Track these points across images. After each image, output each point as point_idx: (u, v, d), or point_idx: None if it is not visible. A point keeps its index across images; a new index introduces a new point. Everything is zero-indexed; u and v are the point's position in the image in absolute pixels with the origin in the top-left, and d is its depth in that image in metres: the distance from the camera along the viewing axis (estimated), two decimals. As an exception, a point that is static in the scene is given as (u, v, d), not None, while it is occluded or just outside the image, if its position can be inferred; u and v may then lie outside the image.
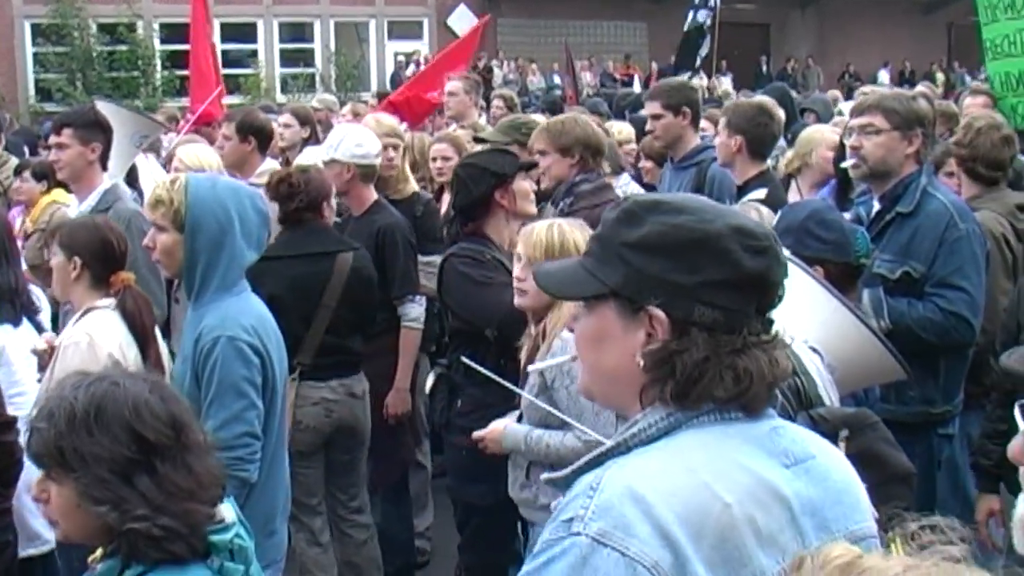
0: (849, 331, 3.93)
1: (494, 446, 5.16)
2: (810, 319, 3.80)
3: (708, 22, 19.93)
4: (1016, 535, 1.73)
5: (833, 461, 2.45)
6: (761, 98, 9.31)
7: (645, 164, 9.68)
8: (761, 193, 6.69)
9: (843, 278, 4.44)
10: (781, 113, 9.31)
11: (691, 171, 7.57)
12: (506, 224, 5.86)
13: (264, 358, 4.64)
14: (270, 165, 8.52)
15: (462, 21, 38.83)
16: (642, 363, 2.28)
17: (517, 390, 4.84)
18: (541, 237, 4.95)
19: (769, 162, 7.78)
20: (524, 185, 5.93)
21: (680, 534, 2.11)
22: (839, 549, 1.26)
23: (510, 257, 5.52)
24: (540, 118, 10.28)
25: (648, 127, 8.00)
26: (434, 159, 8.47)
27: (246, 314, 4.69)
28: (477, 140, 7.94)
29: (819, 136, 8.08)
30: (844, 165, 5.59)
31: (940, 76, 41.23)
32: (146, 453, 2.81)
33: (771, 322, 2.34)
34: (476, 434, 5.23)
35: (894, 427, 4.97)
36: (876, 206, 5.60)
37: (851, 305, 4.06)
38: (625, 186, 8.56)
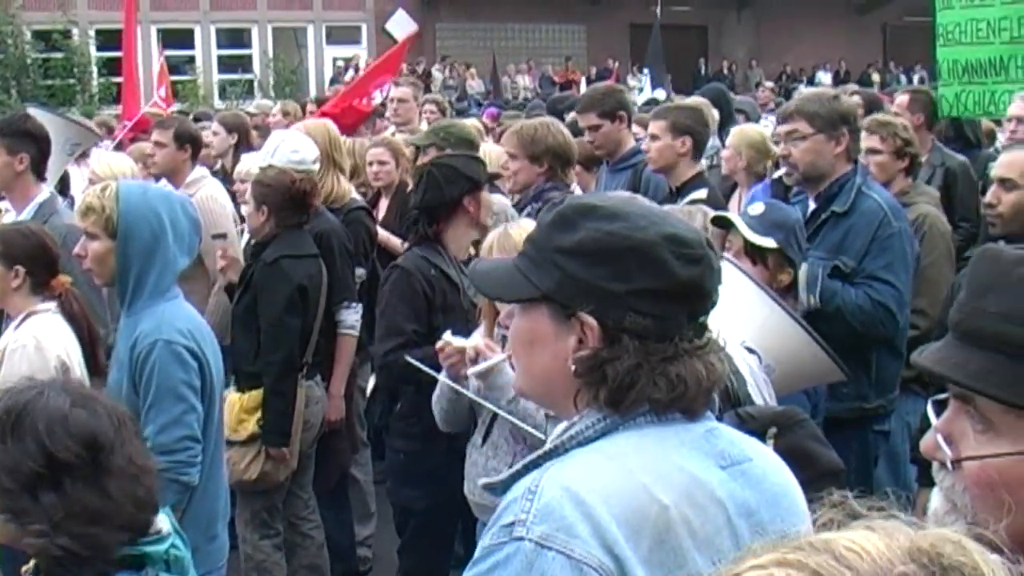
0: (787, 333, 3.96)
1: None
2: (748, 320, 3.83)
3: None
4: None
5: (770, 464, 2.45)
6: (695, 99, 9.39)
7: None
8: (702, 193, 6.70)
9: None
10: (715, 113, 9.41)
11: (627, 173, 7.57)
12: (465, 232, 5.82)
13: (202, 362, 4.62)
14: (200, 173, 8.47)
15: (400, 26, 38.79)
16: (574, 368, 2.27)
17: (463, 391, 4.82)
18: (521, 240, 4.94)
19: (704, 162, 7.82)
20: (489, 197, 5.90)
21: (619, 535, 2.10)
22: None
23: (465, 264, 5.58)
24: (474, 122, 10.33)
25: (587, 138, 7.98)
26: (371, 163, 8.45)
27: (181, 319, 4.67)
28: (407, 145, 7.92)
29: (744, 135, 8.13)
30: (777, 175, 5.61)
31: (876, 76, 41.61)
32: (54, 470, 2.75)
33: (705, 327, 2.33)
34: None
35: (829, 424, 5.04)
36: (812, 206, 5.64)
37: (789, 308, 4.10)
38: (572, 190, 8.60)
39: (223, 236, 8.02)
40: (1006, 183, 5.22)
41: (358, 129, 12.16)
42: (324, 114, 12.04)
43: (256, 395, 6.24)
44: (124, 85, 14.70)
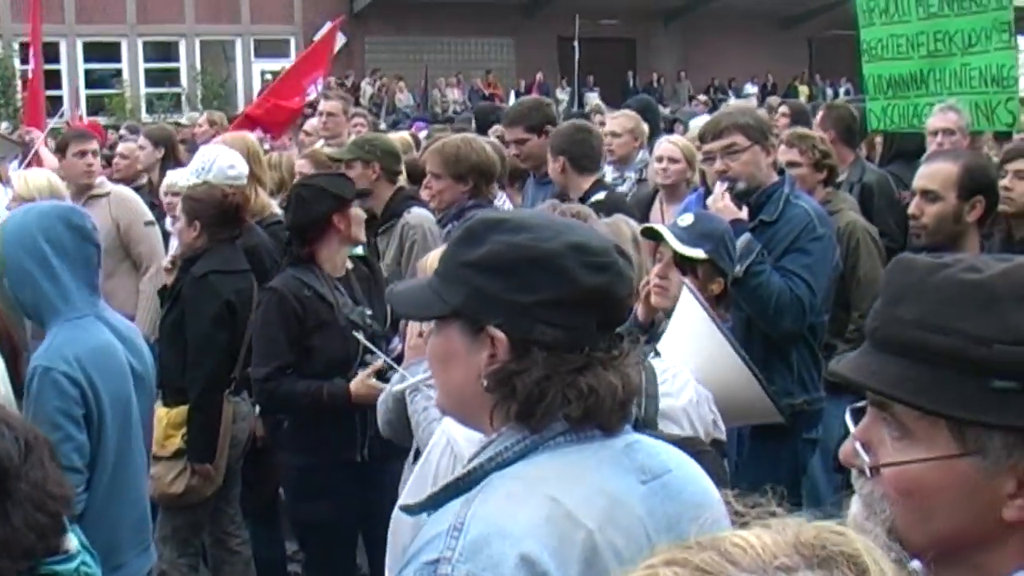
0: (730, 369, 3.96)
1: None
2: (696, 351, 3.84)
3: None
4: None
5: (690, 474, 2.45)
6: (621, 113, 9.47)
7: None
8: (601, 195, 6.87)
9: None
10: (645, 126, 9.43)
11: (553, 186, 7.61)
12: (338, 250, 5.80)
13: (85, 390, 4.37)
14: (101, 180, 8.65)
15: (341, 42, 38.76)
16: (485, 383, 2.26)
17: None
18: None
19: (632, 175, 7.86)
20: (359, 212, 5.88)
21: (549, 566, 2.09)
22: None
23: (342, 283, 5.71)
24: (403, 135, 10.32)
25: (513, 152, 8.01)
26: (294, 176, 8.41)
27: (74, 344, 4.41)
28: (329, 159, 7.88)
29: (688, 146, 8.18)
30: (719, 185, 5.63)
31: (803, 89, 42.07)
32: None
33: (621, 338, 2.32)
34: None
35: (761, 435, 5.07)
36: (741, 215, 5.67)
37: (739, 347, 4.10)
38: (502, 204, 8.61)
39: (152, 224, 8.05)
40: (928, 195, 5.29)
41: (286, 132, 12.11)
42: (249, 116, 11.99)
43: (183, 410, 6.19)
44: (27, 97, 14.59)
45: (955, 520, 1.67)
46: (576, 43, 21.89)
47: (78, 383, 4.36)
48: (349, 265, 5.93)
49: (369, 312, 5.71)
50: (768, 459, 5.17)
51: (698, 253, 4.57)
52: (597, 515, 2.19)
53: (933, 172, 5.36)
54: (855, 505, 1.76)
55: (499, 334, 2.24)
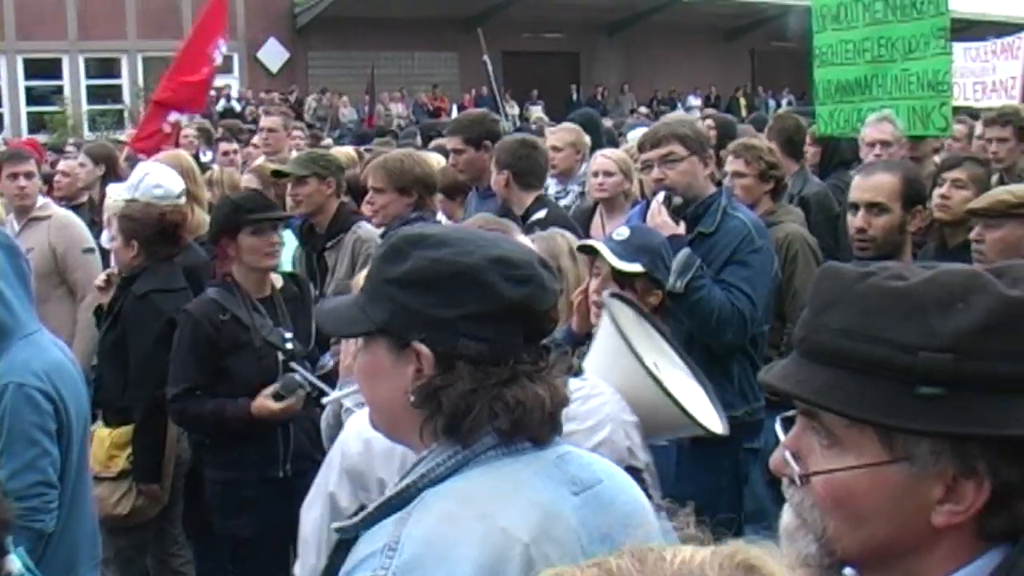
0: (647, 391, 3.95)
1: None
2: (612, 372, 3.84)
3: None
4: (783, 545, 1.77)
5: (621, 484, 2.48)
6: (563, 126, 9.50)
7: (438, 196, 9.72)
8: (542, 213, 6.86)
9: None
10: (587, 139, 9.46)
11: (496, 199, 7.62)
12: (249, 272, 5.80)
13: (57, 404, 4.41)
14: (43, 202, 8.61)
15: (272, 55, 38.62)
16: (412, 399, 2.27)
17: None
18: None
19: (575, 188, 7.88)
20: (267, 238, 5.83)
21: None
22: None
23: (265, 302, 5.75)
24: (348, 150, 10.30)
25: (451, 161, 8.04)
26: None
27: (37, 359, 4.43)
28: (275, 174, 7.85)
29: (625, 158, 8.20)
30: (656, 200, 5.64)
31: (744, 101, 42.34)
32: None
33: (547, 350, 2.34)
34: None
35: (702, 445, 5.09)
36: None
37: (655, 374, 4.10)
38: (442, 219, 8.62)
39: (92, 251, 7.98)
40: (874, 208, 5.30)
41: (202, 106, 11.96)
42: (158, 101, 11.84)
43: (126, 430, 6.15)
44: None
45: (886, 527, 1.69)
46: (486, 58, 21.72)
47: (51, 398, 4.39)
48: (280, 283, 5.94)
49: (288, 334, 5.71)
50: (709, 469, 5.19)
51: (635, 267, 4.57)
52: (531, 529, 2.20)
53: (877, 185, 5.36)
54: (786, 515, 1.78)
55: (424, 349, 2.25)
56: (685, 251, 5.27)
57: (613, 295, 4.32)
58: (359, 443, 2.88)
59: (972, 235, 5.35)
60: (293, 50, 39.13)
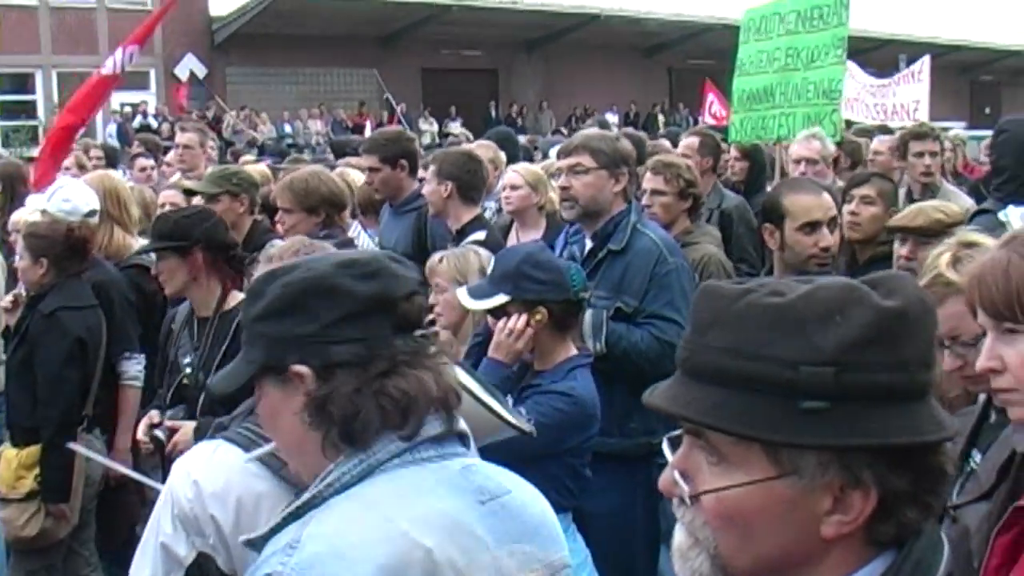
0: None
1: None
2: None
3: None
4: (676, 564, 1.78)
5: (528, 494, 2.50)
6: (479, 143, 9.51)
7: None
8: (481, 235, 6.76)
9: (565, 315, 4.55)
10: (503, 155, 9.49)
11: (411, 216, 7.61)
12: (196, 293, 5.62)
13: None
14: None
15: (189, 71, 38.36)
16: (307, 420, 2.29)
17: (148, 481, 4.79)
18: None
19: (492, 204, 7.87)
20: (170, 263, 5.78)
21: None
22: None
23: (201, 323, 5.54)
24: (262, 167, 10.24)
25: (366, 179, 8.02)
26: (163, 205, 8.29)
27: None
28: (188, 192, 7.77)
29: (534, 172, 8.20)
30: (563, 210, 5.67)
31: (662, 117, 42.69)
32: None
33: (426, 339, 2.38)
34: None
35: (616, 461, 5.11)
36: (588, 244, 5.71)
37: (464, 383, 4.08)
38: (357, 235, 8.58)
39: None
40: (831, 224, 5.35)
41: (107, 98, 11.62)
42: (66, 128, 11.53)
43: (34, 451, 6.07)
44: None
45: (776, 541, 1.70)
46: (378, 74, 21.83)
47: None
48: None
49: (187, 359, 5.55)
50: (623, 485, 5.22)
51: (499, 300, 4.51)
52: (436, 534, 2.21)
53: (828, 204, 5.41)
54: (679, 534, 1.79)
55: (302, 369, 2.28)
56: (589, 312, 5.28)
57: None
58: (188, 486, 2.85)
59: (903, 252, 5.36)
60: (210, 66, 38.88)
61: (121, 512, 6.76)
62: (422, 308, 2.40)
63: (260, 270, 3.57)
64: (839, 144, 8.99)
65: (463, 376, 3.76)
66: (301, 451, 2.37)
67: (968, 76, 53.74)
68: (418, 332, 2.37)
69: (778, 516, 1.69)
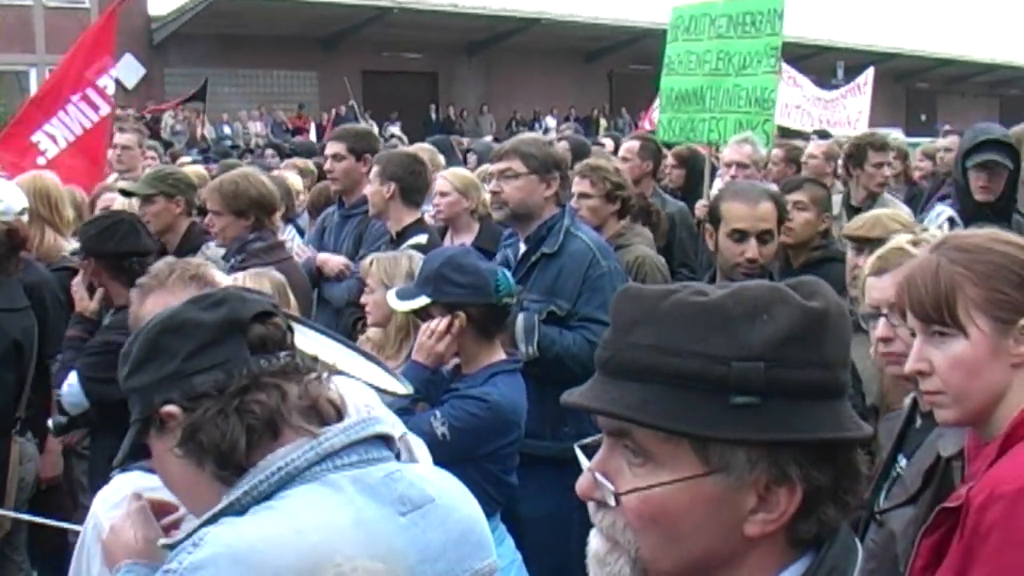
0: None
1: None
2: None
3: None
4: (593, 571, 1.78)
5: (455, 501, 2.49)
6: (417, 147, 9.50)
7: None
8: (422, 238, 6.76)
9: (488, 319, 4.56)
10: (441, 159, 9.49)
11: (357, 219, 7.59)
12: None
13: None
14: None
15: (128, 71, 37.93)
16: (183, 456, 2.32)
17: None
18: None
19: (429, 208, 7.86)
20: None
21: None
22: None
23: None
24: (199, 169, 10.18)
25: (327, 167, 7.98)
26: (105, 208, 8.21)
27: None
28: (124, 193, 7.71)
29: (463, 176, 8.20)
30: (494, 213, 5.71)
31: (603, 121, 42.78)
32: None
33: (289, 356, 2.40)
34: None
35: (549, 464, 5.13)
36: (522, 248, 5.75)
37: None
38: (291, 238, 8.55)
39: None
40: (765, 235, 5.34)
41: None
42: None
43: (-32, 454, 6.00)
44: None
45: (701, 541, 1.71)
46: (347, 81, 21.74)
47: None
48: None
49: None
50: (556, 490, 5.23)
51: (420, 301, 4.54)
52: (350, 548, 2.20)
53: (766, 214, 5.39)
54: (594, 540, 1.78)
55: (171, 408, 2.32)
56: (521, 316, 5.35)
57: None
58: (114, 515, 2.84)
59: (858, 261, 5.34)
60: (149, 66, 38.53)
61: (54, 517, 6.69)
62: (282, 329, 2.41)
63: (134, 300, 3.56)
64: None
65: (327, 344, 3.74)
66: (189, 492, 2.39)
67: (904, 83, 54.24)
68: (282, 352, 2.39)
69: (704, 515, 1.70)
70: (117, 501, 2.68)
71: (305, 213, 9.96)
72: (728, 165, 8.02)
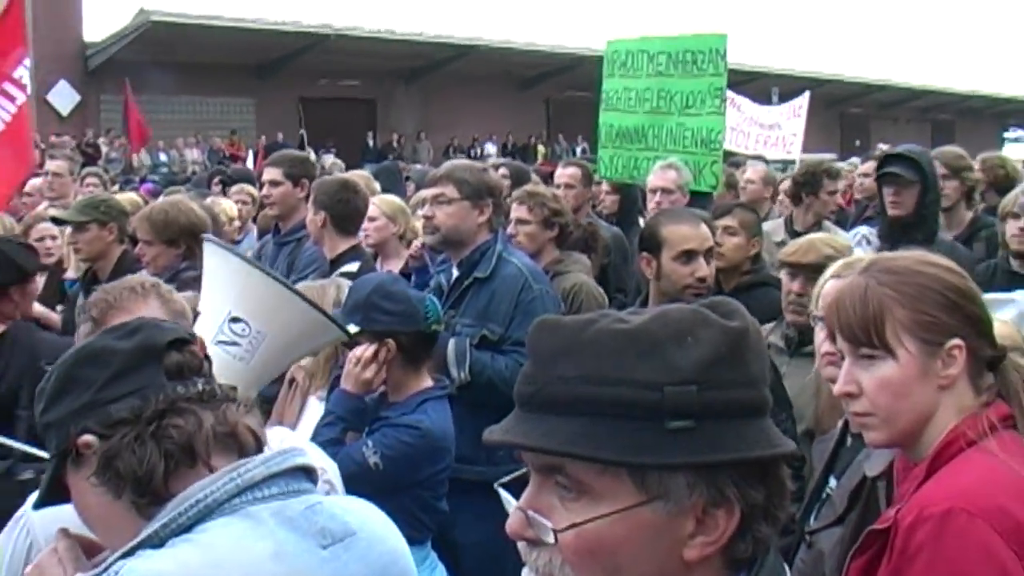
0: (275, 297, 3.84)
1: None
2: (231, 291, 3.75)
3: None
4: None
5: (377, 533, 2.47)
6: (353, 173, 9.49)
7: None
8: (353, 266, 6.76)
9: (417, 346, 4.53)
10: (376, 185, 9.47)
11: (291, 245, 7.57)
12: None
13: None
14: None
15: (63, 98, 37.66)
16: (99, 485, 2.28)
17: None
18: None
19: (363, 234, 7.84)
20: (36, 286, 5.75)
21: None
22: None
23: None
24: (133, 196, 10.11)
25: (264, 192, 7.97)
26: (41, 239, 8.15)
27: None
28: (55, 220, 7.65)
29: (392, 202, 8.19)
30: (426, 239, 5.71)
31: (541, 148, 42.92)
32: None
33: (207, 385, 2.37)
34: None
35: (484, 489, 5.10)
36: (455, 273, 5.76)
37: (276, 275, 4.01)
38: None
39: None
40: (708, 255, 5.35)
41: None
42: None
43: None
44: None
45: (641, 570, 1.70)
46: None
47: None
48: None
49: None
50: (493, 514, 5.19)
51: (349, 330, 4.47)
52: None
53: (707, 233, 5.39)
54: (525, 573, 1.76)
55: (87, 438, 2.28)
56: (452, 341, 5.36)
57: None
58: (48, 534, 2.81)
59: (794, 287, 5.36)
60: (84, 93, 38.25)
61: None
62: (198, 357, 2.39)
63: (85, 332, 3.50)
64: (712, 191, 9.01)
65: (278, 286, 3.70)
66: (110, 524, 2.34)
67: (838, 108, 54.82)
68: (199, 379, 2.36)
69: (643, 544, 1.69)
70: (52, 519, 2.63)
71: (253, 238, 9.97)
72: (653, 191, 8.00)
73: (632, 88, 9.43)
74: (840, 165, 12.06)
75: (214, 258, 3.87)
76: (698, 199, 7.99)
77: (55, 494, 2.43)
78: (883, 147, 18.04)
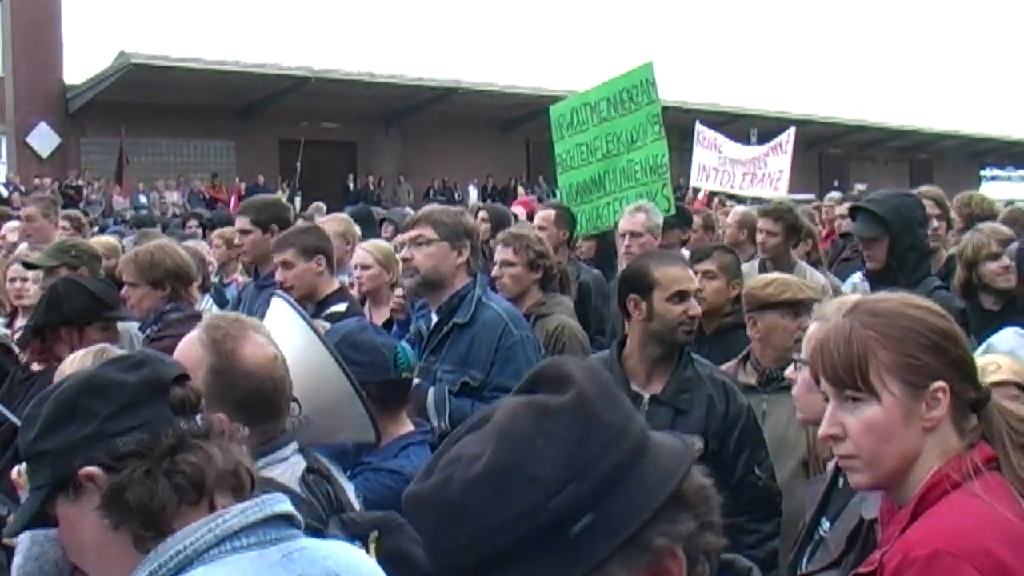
0: (330, 383, 3.85)
1: None
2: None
3: None
4: None
5: (363, 575, 2.45)
6: (332, 216, 9.49)
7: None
8: (341, 307, 6.74)
9: (388, 394, 4.48)
10: (356, 230, 9.46)
11: (270, 289, 7.54)
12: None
13: None
14: None
15: (43, 140, 37.68)
16: (107, 520, 2.25)
17: None
18: None
19: (345, 279, 7.83)
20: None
21: None
22: None
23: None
24: (109, 239, 10.08)
25: (237, 241, 7.97)
26: (12, 280, 8.11)
27: None
28: (26, 265, 7.61)
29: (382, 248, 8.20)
30: (405, 281, 5.71)
31: (521, 189, 42.97)
32: None
33: (208, 421, 2.36)
34: None
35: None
36: (435, 318, 5.75)
37: (338, 356, 4.02)
38: (208, 308, 8.46)
39: None
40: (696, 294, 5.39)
41: None
42: None
43: None
44: None
45: None
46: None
47: None
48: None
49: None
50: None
51: None
52: None
53: (692, 275, 5.44)
54: None
55: (92, 469, 2.25)
56: (432, 390, 5.37)
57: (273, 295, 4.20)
58: None
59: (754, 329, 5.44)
60: (65, 135, 38.26)
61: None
62: (196, 392, 2.39)
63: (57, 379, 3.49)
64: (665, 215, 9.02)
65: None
66: (105, 556, 2.31)
67: (817, 149, 55.09)
68: (198, 415, 2.35)
69: None
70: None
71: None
72: (623, 235, 8.00)
73: (582, 143, 9.69)
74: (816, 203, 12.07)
75: (283, 319, 3.88)
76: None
77: (41, 523, 2.41)
78: (860, 187, 18.09)
